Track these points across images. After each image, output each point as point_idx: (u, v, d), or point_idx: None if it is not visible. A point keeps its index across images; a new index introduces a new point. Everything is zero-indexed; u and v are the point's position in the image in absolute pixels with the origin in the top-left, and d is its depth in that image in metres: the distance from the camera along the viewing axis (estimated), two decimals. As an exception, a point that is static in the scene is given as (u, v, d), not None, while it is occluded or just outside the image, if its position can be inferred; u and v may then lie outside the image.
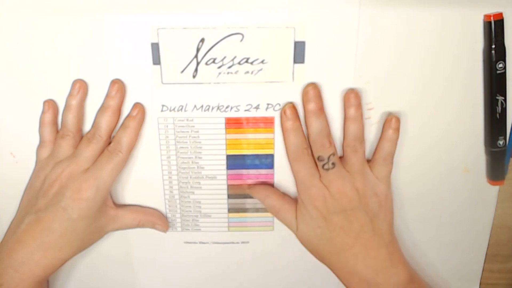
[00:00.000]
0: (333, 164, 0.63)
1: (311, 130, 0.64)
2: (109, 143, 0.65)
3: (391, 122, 0.64)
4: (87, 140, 0.64)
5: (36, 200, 0.64)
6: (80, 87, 0.63)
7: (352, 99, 0.63)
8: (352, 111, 0.63)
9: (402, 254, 0.68)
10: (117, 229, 0.69)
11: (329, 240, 0.65)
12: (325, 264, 0.68)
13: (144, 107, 0.65)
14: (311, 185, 0.64)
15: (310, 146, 0.64)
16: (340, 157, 0.66)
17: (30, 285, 0.63)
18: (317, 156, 0.64)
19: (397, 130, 0.65)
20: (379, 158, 0.65)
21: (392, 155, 0.66)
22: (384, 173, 0.66)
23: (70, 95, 0.64)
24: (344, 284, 0.67)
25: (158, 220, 0.71)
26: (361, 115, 0.64)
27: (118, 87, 0.63)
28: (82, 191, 0.62)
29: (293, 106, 0.64)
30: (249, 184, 0.70)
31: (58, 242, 0.63)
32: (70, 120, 0.64)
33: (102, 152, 0.64)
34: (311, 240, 0.67)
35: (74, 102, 0.64)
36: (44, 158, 0.66)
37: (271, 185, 0.70)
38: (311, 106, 0.63)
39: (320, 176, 0.64)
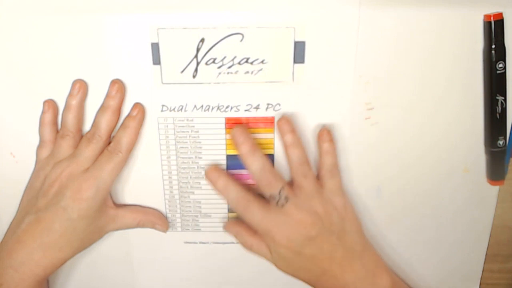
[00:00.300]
0: (286, 198, 0.63)
1: (252, 169, 0.64)
2: (109, 143, 0.65)
3: (324, 136, 0.65)
4: (87, 140, 0.64)
5: (36, 200, 0.64)
6: (80, 87, 0.63)
7: (284, 125, 0.64)
8: (288, 137, 0.64)
9: (379, 260, 0.68)
10: (117, 229, 0.69)
11: (306, 269, 0.66)
12: (308, 284, 0.68)
13: (144, 107, 0.65)
14: (270, 230, 0.64)
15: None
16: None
17: (30, 285, 0.63)
18: (267, 195, 0.64)
19: (332, 141, 0.65)
20: (326, 173, 0.66)
21: (336, 165, 0.66)
22: (335, 185, 0.66)
23: (70, 95, 0.64)
24: None
25: (158, 220, 0.71)
26: (299, 139, 0.65)
27: (118, 87, 0.63)
28: (82, 191, 0.62)
29: (218, 171, 0.67)
30: (225, 223, 0.72)
31: (58, 242, 0.63)
32: (70, 120, 0.64)
33: (102, 152, 0.64)
34: (289, 271, 0.67)
35: (74, 102, 0.64)
36: (44, 158, 0.66)
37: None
38: (244, 147, 0.64)
39: (274, 213, 0.64)
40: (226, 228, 0.71)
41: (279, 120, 0.64)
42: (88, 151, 0.64)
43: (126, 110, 0.65)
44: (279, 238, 0.63)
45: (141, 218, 0.70)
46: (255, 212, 0.64)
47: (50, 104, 0.64)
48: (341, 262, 0.65)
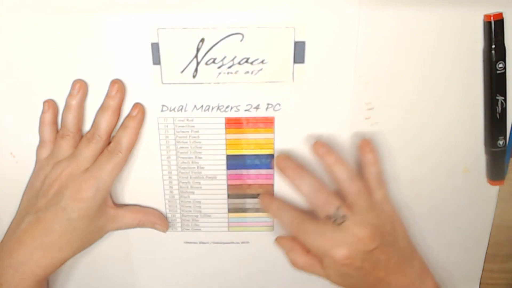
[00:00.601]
0: (343, 217, 0.62)
1: (303, 191, 0.64)
2: (109, 143, 0.65)
3: (366, 147, 0.65)
4: (86, 140, 0.64)
5: (36, 200, 0.64)
6: (80, 87, 0.63)
7: (320, 148, 0.64)
8: (330, 157, 0.64)
9: (424, 262, 0.68)
10: (117, 229, 0.70)
11: (362, 281, 0.65)
12: None
13: (144, 107, 0.65)
14: (328, 249, 0.63)
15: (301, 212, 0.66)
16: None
17: (30, 285, 0.63)
18: (323, 216, 0.63)
19: (374, 151, 0.65)
20: (373, 184, 0.65)
21: (382, 174, 0.66)
22: (383, 194, 0.66)
23: (70, 95, 0.64)
24: None
25: (158, 220, 0.71)
26: (340, 156, 0.64)
27: (118, 87, 0.63)
28: (82, 191, 0.62)
29: (266, 194, 0.70)
30: (278, 237, 0.70)
31: (58, 242, 0.63)
32: (70, 120, 0.64)
33: (102, 152, 0.64)
34: (346, 285, 0.66)
35: (74, 102, 0.64)
36: (44, 158, 0.66)
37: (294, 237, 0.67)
38: (289, 170, 0.65)
39: (331, 232, 0.63)
40: (279, 242, 0.70)
41: (315, 144, 0.64)
42: (88, 151, 0.64)
43: (126, 110, 0.65)
44: (339, 257, 0.62)
45: (141, 218, 0.70)
46: (311, 232, 0.63)
47: (50, 104, 0.64)
48: (395, 269, 0.64)
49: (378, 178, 0.65)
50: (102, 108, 0.64)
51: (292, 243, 0.67)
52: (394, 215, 0.66)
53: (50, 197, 0.63)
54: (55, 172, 0.64)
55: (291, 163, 0.65)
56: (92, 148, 0.64)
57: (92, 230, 0.66)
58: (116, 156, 0.63)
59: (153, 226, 0.71)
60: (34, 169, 0.67)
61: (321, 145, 0.64)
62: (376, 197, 0.65)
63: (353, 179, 0.63)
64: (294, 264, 0.68)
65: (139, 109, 0.64)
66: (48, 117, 0.65)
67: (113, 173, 0.64)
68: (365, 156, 0.65)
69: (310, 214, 0.65)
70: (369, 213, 0.63)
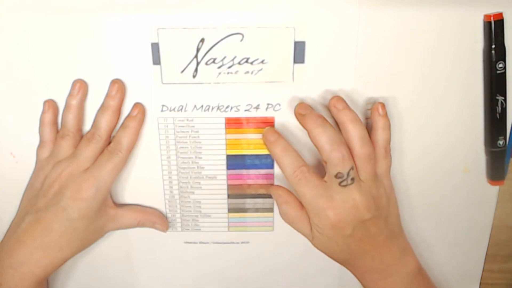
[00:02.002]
0: (352, 179, 0.61)
1: (322, 141, 0.61)
2: (109, 143, 0.65)
3: (379, 110, 0.62)
4: (87, 140, 0.64)
5: (36, 200, 0.64)
6: (80, 87, 0.63)
7: (337, 102, 0.61)
8: (346, 113, 0.61)
9: (408, 243, 0.68)
10: (117, 229, 0.70)
11: (346, 250, 0.64)
12: (340, 264, 0.67)
13: (144, 107, 0.65)
14: (324, 208, 0.61)
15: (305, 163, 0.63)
16: None
17: (30, 285, 0.63)
18: (334, 173, 0.60)
19: (387, 116, 0.63)
20: (380, 151, 0.63)
21: (389, 143, 0.64)
22: (387, 165, 0.64)
23: (70, 95, 0.64)
24: (358, 279, 0.67)
25: (158, 219, 0.71)
26: (358, 118, 0.62)
27: (118, 87, 0.63)
28: (82, 191, 0.62)
29: (271, 128, 0.66)
30: (268, 185, 0.70)
31: (58, 242, 0.63)
32: (70, 120, 0.64)
33: (102, 152, 0.64)
34: (327, 251, 0.65)
35: (74, 102, 0.64)
36: (44, 158, 0.66)
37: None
38: (310, 119, 0.62)
39: (333, 192, 0.61)
40: (272, 191, 0.67)
41: (333, 98, 0.62)
42: (88, 151, 0.64)
43: (126, 110, 0.65)
44: (333, 219, 0.61)
45: (141, 218, 0.70)
46: (312, 187, 0.61)
47: (50, 104, 0.64)
48: (382, 243, 0.64)
49: (386, 146, 0.63)
50: (102, 108, 0.64)
51: (287, 195, 0.66)
52: (391, 191, 0.66)
53: (50, 197, 0.63)
54: (55, 172, 0.64)
55: (312, 112, 0.62)
56: (92, 148, 0.64)
57: (92, 230, 0.66)
58: (116, 156, 0.63)
59: (153, 225, 0.71)
60: (34, 169, 0.67)
61: (339, 100, 0.61)
62: (380, 167, 0.64)
63: (366, 141, 0.61)
64: (284, 216, 0.66)
65: (139, 109, 0.64)
66: (48, 117, 0.65)
67: (113, 173, 0.64)
68: (377, 120, 0.63)
69: (313, 168, 0.64)
70: (372, 182, 0.62)
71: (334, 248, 0.64)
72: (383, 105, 0.62)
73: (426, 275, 0.68)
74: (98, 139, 0.64)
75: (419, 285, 0.67)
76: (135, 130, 0.64)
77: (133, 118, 0.64)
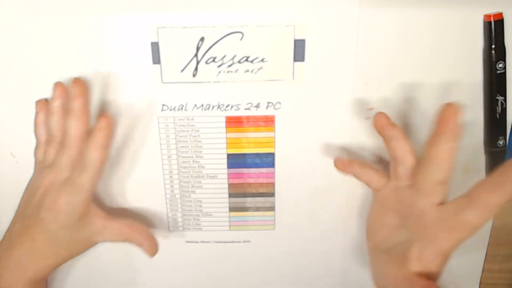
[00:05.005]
0: None
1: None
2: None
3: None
4: (62, 147, 0.62)
5: (27, 205, 0.64)
6: (62, 90, 0.62)
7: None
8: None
9: None
10: (106, 241, 0.66)
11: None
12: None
13: (112, 119, 0.59)
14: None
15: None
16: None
17: (25, 286, 0.63)
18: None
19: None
20: None
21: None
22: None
23: (52, 98, 0.63)
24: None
25: (146, 241, 0.67)
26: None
27: (80, 86, 0.60)
28: (57, 202, 0.60)
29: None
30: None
31: (42, 250, 0.62)
32: (54, 125, 0.63)
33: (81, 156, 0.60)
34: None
35: (56, 104, 0.63)
36: (41, 160, 0.65)
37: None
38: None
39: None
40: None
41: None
42: (64, 158, 0.61)
43: (126, 110, 0.65)
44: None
45: (129, 235, 0.66)
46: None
47: (42, 104, 0.64)
48: None
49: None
50: (68, 113, 0.61)
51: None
52: None
53: (34, 205, 0.62)
54: (40, 179, 0.63)
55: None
56: (67, 155, 0.61)
57: (78, 240, 0.64)
58: (89, 169, 0.59)
59: (139, 245, 0.67)
60: (33, 171, 0.67)
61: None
62: None
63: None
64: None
65: (107, 122, 0.58)
66: (41, 117, 0.64)
67: (88, 185, 0.60)
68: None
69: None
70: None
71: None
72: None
73: None
74: (71, 145, 0.61)
75: None
76: (101, 144, 0.58)
77: (99, 131, 0.58)
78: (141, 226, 0.67)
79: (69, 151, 0.61)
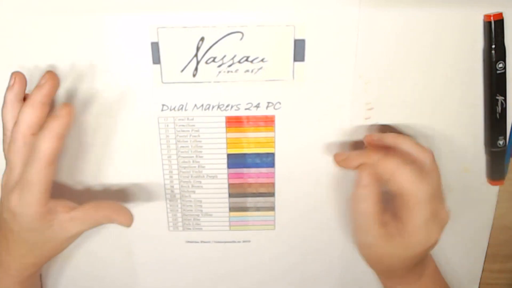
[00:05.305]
0: None
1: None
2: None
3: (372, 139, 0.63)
4: (11, 141, 0.57)
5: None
6: (17, 79, 0.58)
7: (371, 137, 0.64)
8: (390, 136, 0.62)
9: None
10: (77, 234, 0.61)
11: (410, 265, 0.63)
12: (379, 274, 0.66)
13: (73, 109, 0.56)
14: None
15: None
16: None
17: (10, 284, 0.62)
18: None
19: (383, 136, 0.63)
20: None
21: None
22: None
23: (7, 89, 0.59)
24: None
25: (116, 215, 0.62)
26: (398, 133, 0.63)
27: (50, 79, 0.57)
28: (11, 203, 0.56)
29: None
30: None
31: (18, 250, 0.60)
32: (7, 117, 0.59)
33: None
34: (385, 262, 0.63)
35: (11, 96, 0.58)
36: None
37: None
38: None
39: None
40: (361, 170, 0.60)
41: (367, 136, 0.64)
42: (13, 153, 0.57)
43: (126, 110, 0.65)
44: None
45: (97, 218, 0.61)
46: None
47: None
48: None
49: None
50: (25, 103, 0.57)
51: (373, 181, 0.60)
52: None
53: (0, 203, 0.60)
54: (3, 177, 0.59)
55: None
56: (15, 150, 0.57)
57: (47, 240, 0.60)
58: (38, 164, 0.54)
59: (112, 222, 0.62)
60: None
61: (371, 135, 0.63)
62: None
63: (422, 145, 0.61)
64: (358, 202, 0.60)
65: (67, 110, 0.55)
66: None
67: (37, 180, 0.55)
68: (384, 140, 0.62)
69: None
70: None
71: (405, 262, 0.62)
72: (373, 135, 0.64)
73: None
74: (19, 138, 0.56)
75: (441, 278, 0.68)
76: (56, 134, 0.54)
77: (56, 119, 0.55)
78: (106, 202, 0.62)
79: (16, 144, 0.57)
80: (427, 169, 0.59)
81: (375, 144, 0.63)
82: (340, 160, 0.63)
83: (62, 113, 0.54)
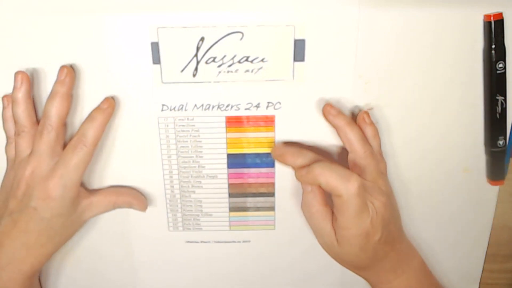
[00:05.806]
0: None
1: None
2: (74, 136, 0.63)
3: (365, 119, 0.64)
4: (39, 133, 0.61)
5: (8, 201, 0.63)
6: (23, 78, 0.61)
7: (331, 109, 0.63)
8: (343, 119, 0.63)
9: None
10: (95, 215, 0.68)
11: (373, 257, 0.62)
12: (355, 271, 0.66)
13: (114, 103, 0.63)
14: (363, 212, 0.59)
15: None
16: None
17: (19, 282, 0.62)
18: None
19: (373, 123, 0.64)
20: (378, 157, 0.64)
21: (381, 147, 0.65)
22: (384, 167, 0.65)
23: (14, 88, 0.62)
24: (372, 284, 0.66)
25: (134, 199, 0.68)
26: (353, 121, 0.64)
27: (67, 71, 0.61)
28: (49, 190, 0.60)
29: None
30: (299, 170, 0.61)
31: (38, 240, 0.62)
32: (21, 115, 0.62)
33: (59, 142, 0.62)
34: (350, 259, 0.63)
35: (20, 95, 0.61)
36: (13, 156, 0.64)
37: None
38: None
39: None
40: (300, 176, 0.60)
41: (326, 106, 0.63)
42: (43, 144, 0.61)
43: (126, 110, 0.65)
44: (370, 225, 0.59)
45: (116, 200, 0.68)
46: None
47: (9, 99, 0.63)
48: (398, 241, 0.64)
49: (379, 151, 0.65)
50: (50, 95, 0.62)
51: (314, 187, 0.62)
52: (392, 192, 0.65)
53: (20, 198, 0.62)
54: (20, 172, 0.62)
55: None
56: (45, 141, 0.61)
57: (70, 224, 0.65)
58: (81, 150, 0.61)
59: (129, 206, 0.68)
60: (6, 169, 0.66)
61: (332, 107, 0.63)
62: (381, 168, 0.64)
63: (366, 141, 0.63)
64: (306, 207, 0.63)
65: (110, 103, 0.62)
66: (9, 112, 0.63)
67: (79, 169, 0.61)
68: (366, 129, 0.64)
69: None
70: (381, 180, 0.62)
71: (359, 255, 0.62)
72: (367, 114, 0.64)
73: (427, 267, 0.68)
74: (49, 129, 0.61)
75: (427, 277, 0.67)
76: (101, 123, 0.62)
77: (102, 111, 0.62)
78: (124, 187, 0.70)
79: (48, 135, 0.61)
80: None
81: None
82: (276, 155, 0.65)
83: (105, 106, 0.62)
